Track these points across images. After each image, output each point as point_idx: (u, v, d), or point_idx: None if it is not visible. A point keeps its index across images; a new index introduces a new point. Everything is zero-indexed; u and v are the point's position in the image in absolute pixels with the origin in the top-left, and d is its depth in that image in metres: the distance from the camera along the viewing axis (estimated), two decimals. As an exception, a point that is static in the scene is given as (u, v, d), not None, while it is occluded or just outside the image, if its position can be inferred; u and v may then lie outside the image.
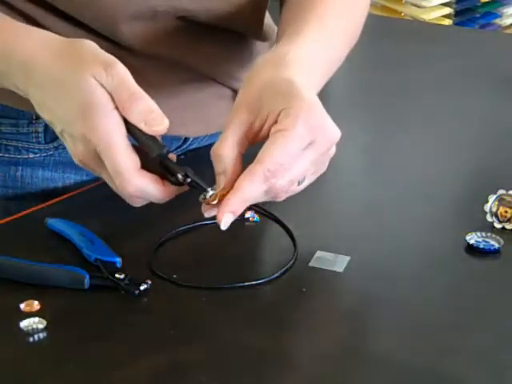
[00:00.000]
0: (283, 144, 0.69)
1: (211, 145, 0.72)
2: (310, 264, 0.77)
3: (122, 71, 0.71)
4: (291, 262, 0.77)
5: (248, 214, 0.83)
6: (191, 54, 0.91)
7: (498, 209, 0.83)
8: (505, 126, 1.10)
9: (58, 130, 0.74)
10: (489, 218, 0.84)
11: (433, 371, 0.65)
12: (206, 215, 0.72)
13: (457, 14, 2.69)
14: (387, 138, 1.07)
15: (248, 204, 0.71)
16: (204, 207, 0.72)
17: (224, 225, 0.70)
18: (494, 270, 0.78)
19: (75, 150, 0.73)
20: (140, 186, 0.71)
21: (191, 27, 0.90)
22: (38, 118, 0.90)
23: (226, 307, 0.72)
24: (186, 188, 0.74)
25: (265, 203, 0.83)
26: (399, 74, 1.27)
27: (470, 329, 0.70)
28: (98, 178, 0.93)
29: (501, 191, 0.84)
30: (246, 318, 0.71)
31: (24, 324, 0.68)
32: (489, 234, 0.81)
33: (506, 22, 2.77)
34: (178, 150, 0.99)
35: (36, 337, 0.68)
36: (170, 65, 0.91)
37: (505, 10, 2.77)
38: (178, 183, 0.73)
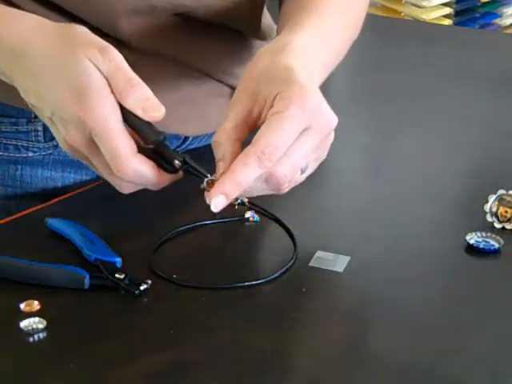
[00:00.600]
0: (276, 126, 0.69)
1: (211, 144, 0.72)
2: (310, 264, 0.77)
3: (117, 56, 0.71)
4: (291, 262, 0.77)
5: (248, 214, 0.83)
6: (189, 50, 0.91)
7: (498, 209, 0.83)
8: (505, 125, 1.10)
9: (46, 115, 0.74)
10: (489, 218, 0.84)
11: (433, 371, 0.65)
12: (208, 202, 0.71)
13: (457, 13, 2.69)
14: (387, 138, 1.07)
15: (242, 188, 0.69)
16: (206, 194, 0.71)
17: (215, 206, 0.69)
18: (494, 270, 0.78)
19: (67, 135, 0.72)
20: (138, 169, 0.71)
21: (189, 23, 0.90)
22: (37, 116, 0.90)
23: (226, 307, 0.72)
24: (180, 175, 0.73)
25: (265, 203, 0.84)
26: (399, 74, 1.27)
27: (470, 329, 0.70)
28: (97, 178, 0.94)
29: (501, 191, 0.84)
30: (246, 318, 0.71)
31: (24, 324, 0.68)
32: (489, 234, 0.81)
33: (506, 22, 2.77)
34: (178, 149, 0.99)
35: (36, 337, 0.68)
36: (168, 61, 0.91)
37: (505, 10, 2.77)
38: (172, 171, 0.73)
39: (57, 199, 0.88)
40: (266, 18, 0.99)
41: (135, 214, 0.84)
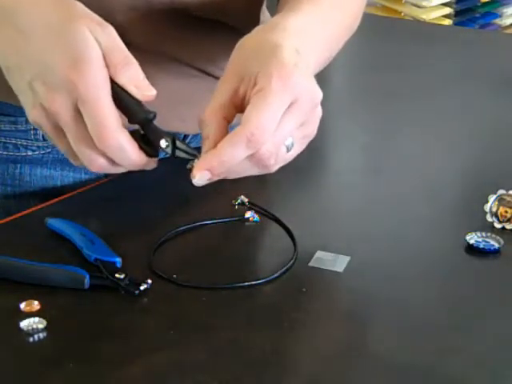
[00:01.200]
0: (262, 104, 0.68)
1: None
2: (310, 264, 0.77)
3: (114, 32, 0.71)
4: (291, 262, 0.77)
5: (248, 214, 0.83)
6: (187, 47, 0.91)
7: (498, 209, 0.83)
8: (505, 125, 1.10)
9: (25, 78, 0.72)
10: (489, 218, 0.84)
11: (433, 371, 0.65)
12: (192, 178, 0.71)
13: (457, 14, 2.69)
14: (387, 138, 1.07)
15: (226, 166, 0.69)
16: (191, 175, 0.71)
17: (197, 180, 0.69)
18: (494, 270, 0.78)
19: (47, 100, 0.70)
20: (122, 142, 0.71)
21: (187, 21, 0.90)
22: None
23: (226, 307, 0.72)
24: (154, 164, 0.73)
25: (265, 203, 0.84)
26: (399, 74, 1.27)
27: (470, 329, 0.70)
28: (97, 177, 0.94)
29: (501, 191, 0.84)
30: (246, 318, 0.71)
31: (24, 324, 0.68)
32: (489, 234, 0.81)
33: (506, 22, 2.78)
34: (178, 149, 0.99)
35: (36, 337, 0.68)
36: (166, 58, 0.91)
37: (505, 10, 2.77)
38: (153, 154, 0.72)
39: (57, 199, 0.88)
40: (265, 16, 0.99)
41: (135, 214, 0.84)
